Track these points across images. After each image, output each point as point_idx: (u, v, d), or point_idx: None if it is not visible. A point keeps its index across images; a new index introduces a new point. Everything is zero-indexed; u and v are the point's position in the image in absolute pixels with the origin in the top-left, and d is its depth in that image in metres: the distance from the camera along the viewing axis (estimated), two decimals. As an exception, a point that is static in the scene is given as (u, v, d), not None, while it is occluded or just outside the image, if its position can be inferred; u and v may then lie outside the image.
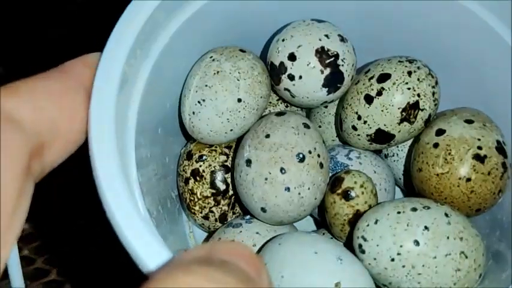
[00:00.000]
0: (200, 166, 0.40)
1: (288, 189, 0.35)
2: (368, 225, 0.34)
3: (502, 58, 0.37)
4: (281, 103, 0.43)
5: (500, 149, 0.36)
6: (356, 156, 0.40)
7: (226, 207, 0.40)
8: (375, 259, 0.33)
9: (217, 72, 0.37)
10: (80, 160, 0.28)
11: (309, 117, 0.45)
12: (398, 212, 0.33)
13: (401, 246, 0.32)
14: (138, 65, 0.33)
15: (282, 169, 0.35)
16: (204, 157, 0.40)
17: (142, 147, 0.34)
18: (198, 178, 0.40)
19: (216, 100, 0.37)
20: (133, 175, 0.31)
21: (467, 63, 0.40)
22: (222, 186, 0.40)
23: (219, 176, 0.40)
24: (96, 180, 0.27)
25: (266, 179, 0.35)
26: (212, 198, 0.40)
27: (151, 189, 0.35)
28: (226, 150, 0.41)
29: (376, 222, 0.33)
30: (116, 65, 0.29)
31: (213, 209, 0.40)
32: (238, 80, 0.37)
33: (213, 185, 0.40)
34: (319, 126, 0.44)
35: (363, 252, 0.33)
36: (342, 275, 0.32)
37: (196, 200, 0.40)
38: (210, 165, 0.40)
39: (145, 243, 0.25)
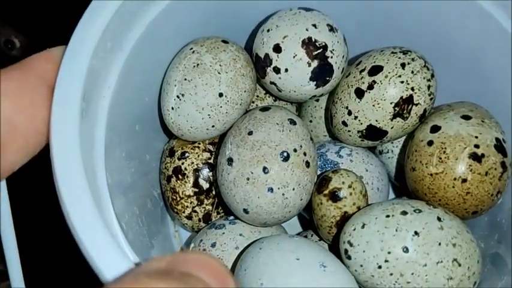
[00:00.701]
0: (182, 164, 0.38)
1: (271, 189, 0.33)
2: (354, 229, 0.31)
3: (504, 49, 0.34)
4: (269, 97, 0.40)
5: (499, 147, 0.33)
6: (347, 154, 0.38)
7: (210, 207, 0.39)
8: (361, 266, 0.31)
9: (197, 65, 0.35)
10: (42, 158, 0.26)
11: (300, 111, 0.43)
12: (387, 216, 0.31)
13: (389, 252, 0.30)
14: (110, 58, 0.31)
15: (264, 168, 0.33)
16: (187, 154, 0.38)
17: (116, 146, 0.32)
18: (180, 176, 0.38)
19: (195, 95, 0.35)
20: (101, 176, 0.29)
21: (466, 54, 0.37)
22: (206, 185, 0.38)
23: (203, 174, 0.38)
24: (55, 183, 0.25)
25: (248, 179, 0.33)
26: (195, 197, 0.38)
27: (126, 189, 0.33)
28: (210, 147, 0.39)
29: (363, 227, 0.31)
30: (80, 59, 0.27)
31: (196, 208, 0.38)
32: (219, 73, 0.35)
33: (195, 183, 0.38)
34: (310, 121, 0.42)
35: (349, 258, 0.31)
36: (325, 283, 0.30)
37: (178, 199, 0.38)
38: (192, 162, 0.38)
39: (103, 254, 0.24)
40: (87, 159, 0.28)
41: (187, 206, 0.38)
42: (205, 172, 0.38)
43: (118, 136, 0.33)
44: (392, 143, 0.40)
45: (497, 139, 0.33)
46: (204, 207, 0.38)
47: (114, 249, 0.24)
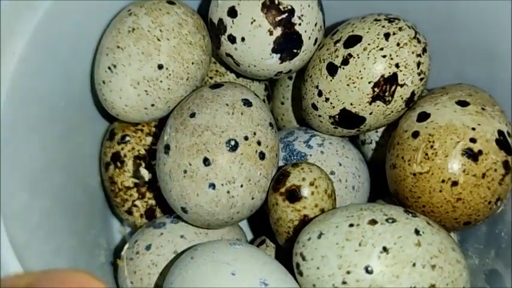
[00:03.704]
0: (122, 149, 0.32)
1: (212, 186, 0.27)
2: (309, 239, 0.25)
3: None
4: (230, 73, 0.34)
5: (502, 142, 0.26)
6: (318, 144, 0.31)
7: (153, 201, 0.32)
8: (313, 286, 0.24)
9: (133, 29, 0.29)
10: None
11: (272, 90, 0.36)
12: (351, 225, 0.24)
13: (348, 272, 0.24)
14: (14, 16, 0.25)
15: (205, 160, 0.27)
16: (128, 138, 0.32)
17: (21, 122, 0.26)
18: (119, 164, 0.32)
19: (129, 66, 0.29)
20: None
21: (476, 26, 0.30)
22: (148, 176, 0.32)
23: (145, 162, 0.32)
24: None
25: (185, 171, 0.27)
26: (135, 189, 0.32)
27: (36, 175, 0.27)
28: (156, 131, 0.32)
29: (319, 236, 0.25)
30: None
31: (137, 202, 0.32)
32: (159, 39, 0.29)
33: (136, 173, 0.32)
34: (282, 103, 0.35)
35: (301, 274, 0.25)
36: (264, 307, 0.23)
37: (117, 190, 0.32)
38: (133, 148, 0.32)
39: None
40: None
41: (126, 199, 0.32)
42: (148, 160, 0.32)
43: (29, 111, 0.27)
44: (376, 131, 0.33)
45: (500, 132, 0.26)
46: (147, 202, 0.32)
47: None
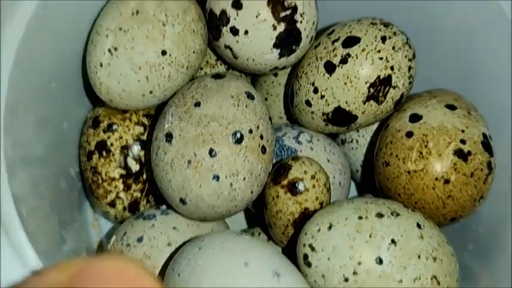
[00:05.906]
0: (108, 138, 0.31)
1: (217, 178, 0.27)
2: (319, 230, 0.26)
3: (500, 34, 0.29)
4: (221, 64, 0.34)
5: (486, 144, 0.29)
6: (307, 140, 0.32)
7: (138, 194, 0.32)
8: (323, 276, 0.25)
9: (137, 12, 0.28)
10: None
11: (254, 86, 0.36)
12: (360, 217, 0.26)
13: (359, 263, 0.25)
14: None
15: (211, 151, 0.27)
16: (115, 127, 0.31)
17: (21, 106, 0.25)
18: (104, 153, 0.31)
19: (132, 50, 0.28)
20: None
21: (451, 38, 0.32)
22: (135, 167, 0.31)
23: (132, 152, 0.31)
24: None
25: (189, 162, 0.27)
26: (121, 180, 0.31)
27: (32, 164, 0.26)
28: (144, 120, 0.32)
29: (330, 228, 0.25)
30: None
31: (122, 194, 0.31)
32: (164, 25, 0.28)
33: (123, 164, 0.31)
34: (265, 99, 0.35)
35: (309, 265, 0.26)
36: (279, 296, 0.24)
37: (100, 181, 0.31)
38: (121, 137, 0.31)
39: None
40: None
41: (110, 191, 0.31)
42: (136, 151, 0.31)
43: (24, 91, 0.25)
44: (358, 131, 0.34)
45: (484, 135, 0.29)
46: (132, 194, 0.31)
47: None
